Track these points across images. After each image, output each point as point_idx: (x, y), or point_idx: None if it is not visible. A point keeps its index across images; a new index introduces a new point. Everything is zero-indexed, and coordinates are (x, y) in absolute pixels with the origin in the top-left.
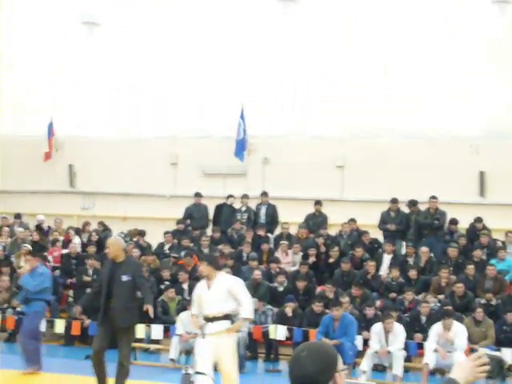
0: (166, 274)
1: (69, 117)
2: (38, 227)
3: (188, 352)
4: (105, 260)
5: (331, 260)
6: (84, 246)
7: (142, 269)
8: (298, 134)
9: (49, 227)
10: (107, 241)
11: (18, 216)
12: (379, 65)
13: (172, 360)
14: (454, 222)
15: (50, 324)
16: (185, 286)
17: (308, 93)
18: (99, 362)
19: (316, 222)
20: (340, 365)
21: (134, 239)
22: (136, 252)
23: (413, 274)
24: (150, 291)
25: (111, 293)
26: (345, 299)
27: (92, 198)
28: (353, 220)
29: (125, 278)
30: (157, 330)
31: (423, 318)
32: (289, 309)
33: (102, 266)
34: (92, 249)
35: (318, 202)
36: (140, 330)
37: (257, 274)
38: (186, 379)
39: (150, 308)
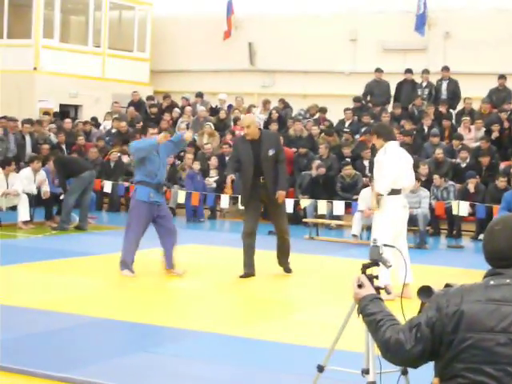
0: (346, 151)
1: None
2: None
3: (369, 228)
4: (238, 140)
5: None
6: (265, 123)
7: (280, 140)
8: (480, 6)
9: (230, 105)
10: (242, 120)
11: (199, 95)
12: None
13: (354, 235)
14: None
15: (234, 200)
16: (365, 162)
17: None
18: (252, 242)
19: (499, 96)
20: None
21: (315, 116)
22: (315, 129)
23: None
24: (286, 172)
25: (260, 170)
26: None
27: (272, 76)
28: None
29: (271, 152)
30: (338, 206)
31: None
32: (471, 185)
33: (237, 146)
34: (273, 126)
35: (501, 76)
36: (321, 206)
37: (438, 152)
38: (376, 251)
39: (281, 194)
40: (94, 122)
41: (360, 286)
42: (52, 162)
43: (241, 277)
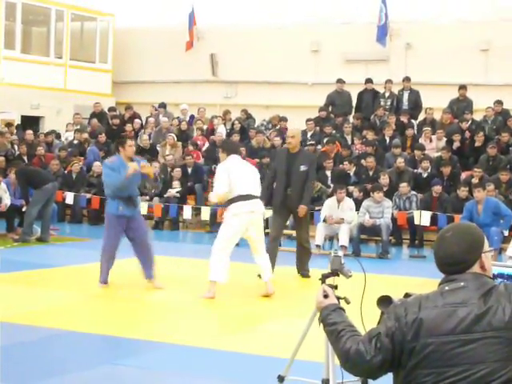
0: None
1: (210, 5)
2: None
3: (332, 238)
4: (278, 151)
5: (477, 144)
6: (228, 134)
7: (315, 161)
8: (441, 17)
9: (192, 116)
10: (288, 132)
11: (162, 105)
12: None
13: (317, 246)
14: None
15: (197, 211)
16: (328, 172)
17: None
18: (275, 246)
19: (460, 106)
20: (486, 247)
21: (276, 127)
22: (277, 140)
23: None
24: (312, 190)
25: (289, 182)
26: (490, 187)
27: (234, 87)
28: (499, 102)
29: (303, 167)
30: None
31: None
32: (436, 191)
33: (275, 157)
34: (236, 137)
35: (462, 87)
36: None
37: (400, 161)
38: (337, 262)
39: (303, 208)
40: (55, 133)
41: (326, 296)
42: (14, 173)
43: (259, 276)
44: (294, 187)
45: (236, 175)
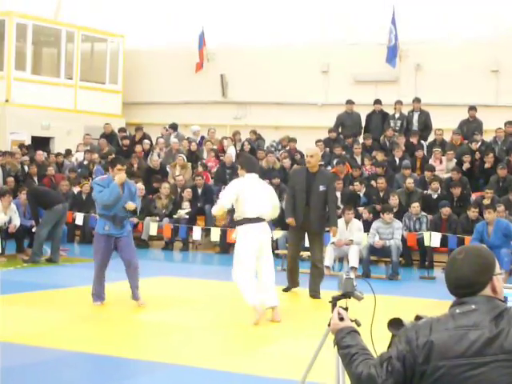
0: None
1: (220, 26)
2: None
3: (341, 259)
4: (297, 170)
5: (487, 166)
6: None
7: (335, 182)
8: (451, 38)
9: (202, 137)
10: (307, 151)
11: (173, 126)
12: None
13: (327, 267)
14: None
15: (206, 232)
16: (338, 193)
17: None
18: (295, 265)
19: (470, 127)
20: (497, 269)
21: (286, 148)
22: (286, 162)
23: None
24: (336, 210)
25: (308, 201)
26: (500, 208)
27: (244, 108)
28: (510, 123)
29: (321, 188)
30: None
31: None
32: (444, 213)
33: (294, 176)
34: None
35: (472, 108)
36: None
37: (409, 182)
38: (350, 284)
39: (334, 230)
40: (66, 153)
41: (341, 319)
42: (25, 193)
43: (283, 290)
44: (313, 206)
45: (248, 195)
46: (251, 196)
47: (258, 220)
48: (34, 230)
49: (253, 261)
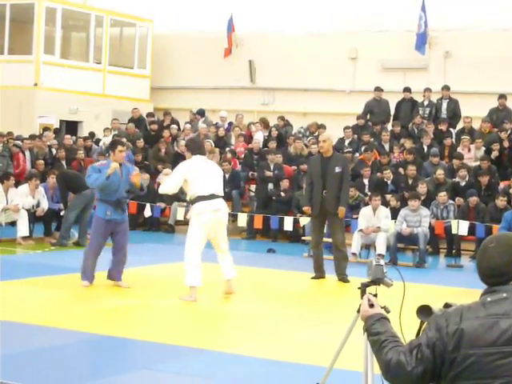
0: None
1: (248, 12)
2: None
3: (368, 246)
4: (312, 158)
5: None
6: (265, 141)
7: (349, 163)
8: (481, 25)
9: (230, 123)
10: (319, 137)
11: (200, 112)
12: None
13: (354, 254)
14: None
15: (234, 218)
16: (365, 180)
17: None
18: (320, 254)
19: (499, 116)
20: None
21: (314, 134)
22: (314, 148)
23: None
24: (348, 191)
25: (325, 184)
26: None
27: (272, 94)
28: None
29: (337, 169)
30: None
31: None
32: (472, 202)
33: (310, 163)
34: (273, 144)
35: (502, 96)
36: None
37: (439, 173)
38: (379, 270)
39: (342, 210)
40: (91, 137)
41: (371, 306)
42: (54, 177)
43: (312, 278)
44: (330, 189)
45: (197, 175)
46: (200, 175)
47: (213, 197)
48: (62, 213)
49: (203, 243)
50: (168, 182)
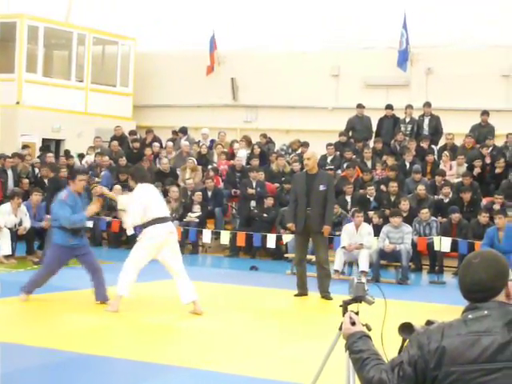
0: None
1: (231, 30)
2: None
3: (351, 263)
4: (297, 175)
5: (497, 171)
6: (248, 159)
7: (334, 181)
8: (462, 42)
9: (212, 140)
10: (304, 154)
11: (183, 130)
12: None
13: (336, 271)
14: None
15: (216, 235)
16: (348, 197)
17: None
18: (303, 271)
19: (482, 132)
20: (511, 275)
21: (297, 151)
22: (296, 165)
23: None
24: (333, 210)
25: (309, 201)
26: (511, 213)
27: (255, 111)
28: None
29: (322, 187)
30: None
31: None
32: (454, 219)
33: (294, 180)
34: (255, 161)
35: (484, 112)
36: None
37: (420, 188)
38: (361, 288)
39: (327, 229)
40: (66, 155)
41: (353, 324)
42: (38, 195)
43: (295, 295)
44: (314, 206)
45: (149, 199)
46: (153, 200)
47: (167, 219)
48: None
49: (146, 263)
50: (130, 217)
